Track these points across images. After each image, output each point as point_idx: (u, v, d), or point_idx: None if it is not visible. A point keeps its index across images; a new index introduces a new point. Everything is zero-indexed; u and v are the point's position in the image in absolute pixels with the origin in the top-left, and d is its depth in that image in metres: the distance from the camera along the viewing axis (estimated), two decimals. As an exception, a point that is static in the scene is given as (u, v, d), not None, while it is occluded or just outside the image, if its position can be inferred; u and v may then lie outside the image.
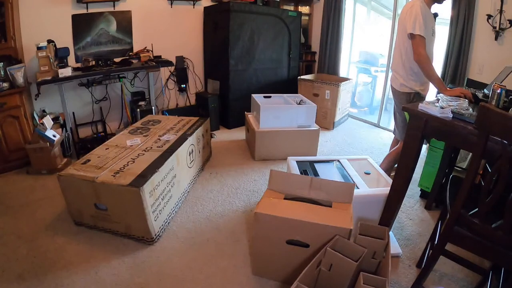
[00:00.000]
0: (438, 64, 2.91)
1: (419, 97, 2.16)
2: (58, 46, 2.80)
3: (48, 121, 2.65)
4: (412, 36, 1.96)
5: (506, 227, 1.06)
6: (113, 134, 3.09)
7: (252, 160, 2.99)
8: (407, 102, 2.15)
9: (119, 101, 3.48)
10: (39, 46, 2.63)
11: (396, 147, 2.43)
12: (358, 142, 3.56)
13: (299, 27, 4.15)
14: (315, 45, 4.78)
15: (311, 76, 4.35)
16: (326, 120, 3.93)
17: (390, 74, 2.36)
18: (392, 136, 2.63)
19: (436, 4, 2.04)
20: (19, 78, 2.60)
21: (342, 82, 3.81)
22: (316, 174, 2.05)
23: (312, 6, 4.76)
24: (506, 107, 1.43)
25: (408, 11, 1.98)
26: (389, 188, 1.60)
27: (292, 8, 4.66)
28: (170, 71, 3.85)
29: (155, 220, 1.82)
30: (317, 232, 1.39)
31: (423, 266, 1.42)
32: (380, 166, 2.25)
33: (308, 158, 2.27)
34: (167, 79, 3.86)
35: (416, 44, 1.94)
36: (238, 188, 2.50)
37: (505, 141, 1.01)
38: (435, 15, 2.10)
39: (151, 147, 2.17)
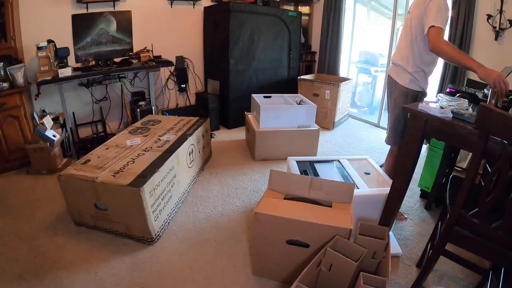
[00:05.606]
0: (438, 64, 2.89)
1: (422, 95, 2.00)
2: (58, 46, 2.79)
3: (48, 121, 2.65)
4: (432, 27, 1.75)
5: (506, 227, 1.06)
6: (113, 134, 3.09)
7: (252, 160, 2.99)
8: (411, 99, 1.98)
9: (119, 101, 3.48)
10: (39, 46, 2.63)
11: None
12: (358, 142, 3.56)
13: (299, 27, 4.14)
14: (315, 45, 4.78)
15: (311, 76, 4.35)
16: (326, 120, 3.93)
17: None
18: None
19: None
20: (19, 78, 2.60)
21: (342, 82, 3.81)
22: (316, 174, 2.05)
23: (312, 6, 4.76)
24: (506, 107, 1.43)
25: (428, 3, 1.78)
26: (389, 188, 1.60)
27: (292, 8, 4.66)
28: (170, 71, 3.85)
29: (155, 220, 1.82)
30: (317, 232, 1.39)
31: (423, 266, 1.42)
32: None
33: (308, 158, 2.27)
34: (167, 79, 3.86)
35: (436, 34, 1.74)
36: (238, 188, 2.50)
37: (505, 141, 1.01)
38: None
39: (151, 147, 2.17)
